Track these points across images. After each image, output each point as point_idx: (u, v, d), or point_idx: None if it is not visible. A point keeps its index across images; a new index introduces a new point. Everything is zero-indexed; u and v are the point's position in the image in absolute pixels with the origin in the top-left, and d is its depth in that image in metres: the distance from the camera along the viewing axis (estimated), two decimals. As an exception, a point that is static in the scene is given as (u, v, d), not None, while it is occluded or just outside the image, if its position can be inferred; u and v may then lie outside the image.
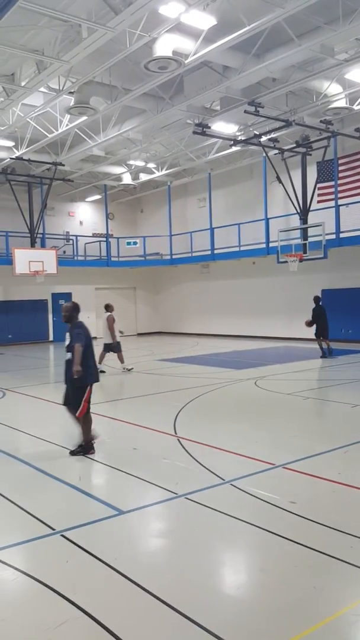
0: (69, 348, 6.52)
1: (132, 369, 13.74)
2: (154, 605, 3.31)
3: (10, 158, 19.44)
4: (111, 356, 13.74)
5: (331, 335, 16.07)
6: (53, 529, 4.43)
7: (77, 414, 6.53)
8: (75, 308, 6.76)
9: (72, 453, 6.57)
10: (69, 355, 6.51)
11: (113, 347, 13.63)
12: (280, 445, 6.91)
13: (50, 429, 8.34)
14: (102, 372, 12.98)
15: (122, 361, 13.73)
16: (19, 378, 13.68)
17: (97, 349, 8.77)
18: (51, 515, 4.70)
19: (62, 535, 4.30)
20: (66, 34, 11.02)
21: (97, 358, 7.89)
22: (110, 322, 13.61)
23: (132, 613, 3.26)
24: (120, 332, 14.17)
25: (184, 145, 19.67)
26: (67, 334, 6.66)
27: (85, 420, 6.59)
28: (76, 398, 6.53)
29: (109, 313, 13.75)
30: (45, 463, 6.28)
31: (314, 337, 15.86)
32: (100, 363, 13.23)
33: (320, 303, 15.92)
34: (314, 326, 15.49)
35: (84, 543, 4.15)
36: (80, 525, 4.49)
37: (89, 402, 6.56)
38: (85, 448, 6.57)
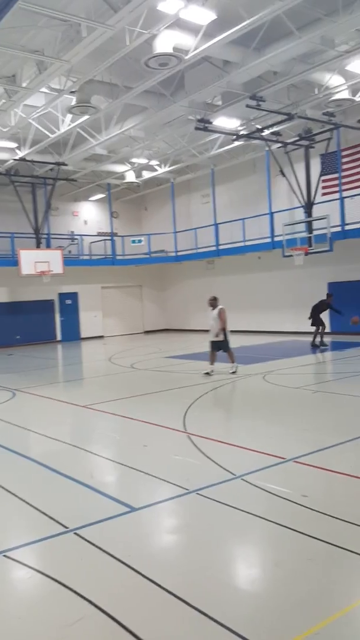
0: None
1: (234, 372, 12.02)
2: (168, 601, 3.33)
3: (14, 159, 19.51)
4: (120, 354, 13.72)
5: (338, 328, 16.39)
6: (66, 527, 4.45)
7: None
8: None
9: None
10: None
11: (225, 344, 12.13)
12: (290, 439, 6.91)
13: (60, 428, 8.39)
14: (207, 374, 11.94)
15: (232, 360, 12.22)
16: (28, 378, 13.74)
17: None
18: (64, 514, 4.73)
19: (76, 533, 4.33)
20: (66, 34, 11.03)
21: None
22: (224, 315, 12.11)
23: (147, 609, 3.28)
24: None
25: (186, 141, 19.63)
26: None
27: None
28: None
29: (221, 306, 12.21)
30: (57, 462, 6.31)
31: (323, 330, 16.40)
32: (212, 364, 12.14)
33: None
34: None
35: (97, 540, 4.17)
36: (93, 523, 4.51)
37: None
38: None
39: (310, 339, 16.65)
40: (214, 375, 11.78)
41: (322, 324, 16.24)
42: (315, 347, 16.00)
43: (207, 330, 12.49)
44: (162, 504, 4.96)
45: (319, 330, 16.20)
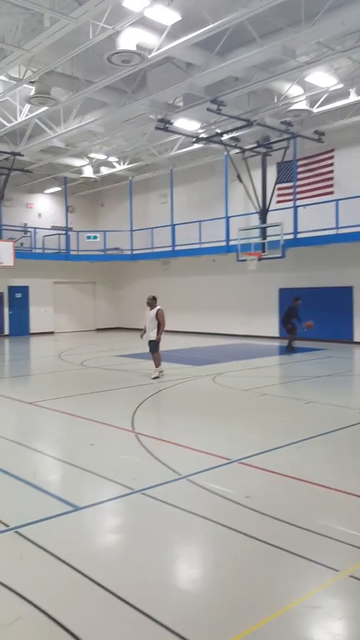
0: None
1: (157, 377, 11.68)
2: (109, 601, 3.32)
3: (-33, 146, 18.94)
4: (70, 351, 13.53)
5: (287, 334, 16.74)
6: (7, 525, 4.36)
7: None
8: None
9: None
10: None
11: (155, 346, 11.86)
12: (236, 441, 7.01)
13: (4, 424, 8.21)
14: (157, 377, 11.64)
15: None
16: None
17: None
18: (5, 512, 4.63)
19: (17, 532, 4.25)
20: (28, 23, 10.81)
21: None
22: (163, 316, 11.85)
23: (88, 609, 3.26)
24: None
25: (146, 140, 19.59)
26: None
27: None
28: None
29: (159, 307, 11.92)
30: None
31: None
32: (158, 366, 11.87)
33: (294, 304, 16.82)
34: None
35: (39, 539, 4.10)
36: (35, 521, 4.44)
37: None
38: None
39: (269, 343, 16.91)
40: (163, 376, 11.79)
41: (294, 330, 16.46)
42: (291, 350, 16.29)
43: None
44: (107, 504, 4.94)
45: (291, 336, 16.51)
